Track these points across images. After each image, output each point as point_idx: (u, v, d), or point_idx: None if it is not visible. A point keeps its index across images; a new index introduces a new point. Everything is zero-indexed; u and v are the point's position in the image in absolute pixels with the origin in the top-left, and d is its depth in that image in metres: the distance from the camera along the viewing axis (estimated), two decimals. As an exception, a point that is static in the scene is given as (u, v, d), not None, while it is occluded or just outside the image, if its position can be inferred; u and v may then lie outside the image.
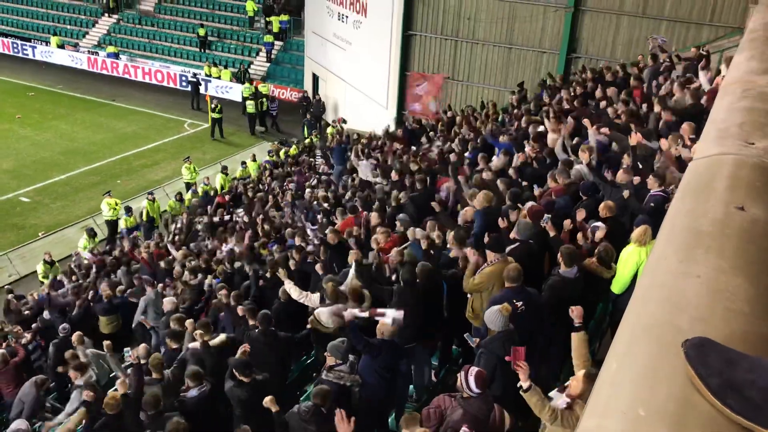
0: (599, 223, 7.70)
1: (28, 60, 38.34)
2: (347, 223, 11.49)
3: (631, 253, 6.91)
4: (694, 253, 2.06)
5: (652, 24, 22.18)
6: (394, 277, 8.44)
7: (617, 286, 7.15)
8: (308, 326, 8.26)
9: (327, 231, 10.77)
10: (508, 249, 7.39)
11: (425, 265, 7.79)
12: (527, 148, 11.69)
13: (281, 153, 25.51)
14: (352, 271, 8.72)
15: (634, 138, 9.28)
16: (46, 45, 38.45)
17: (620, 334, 1.86)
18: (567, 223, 7.82)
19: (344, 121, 26.23)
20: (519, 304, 6.29)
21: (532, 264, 7.27)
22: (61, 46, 38.23)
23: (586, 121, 10.85)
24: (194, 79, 32.64)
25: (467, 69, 26.15)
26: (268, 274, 10.42)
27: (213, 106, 29.00)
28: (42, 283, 16.76)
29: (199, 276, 12.25)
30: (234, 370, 7.20)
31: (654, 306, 1.87)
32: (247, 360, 7.40)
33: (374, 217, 10.85)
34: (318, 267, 9.61)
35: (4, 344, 11.81)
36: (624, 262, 7.01)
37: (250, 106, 30.18)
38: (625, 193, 8.18)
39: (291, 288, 8.81)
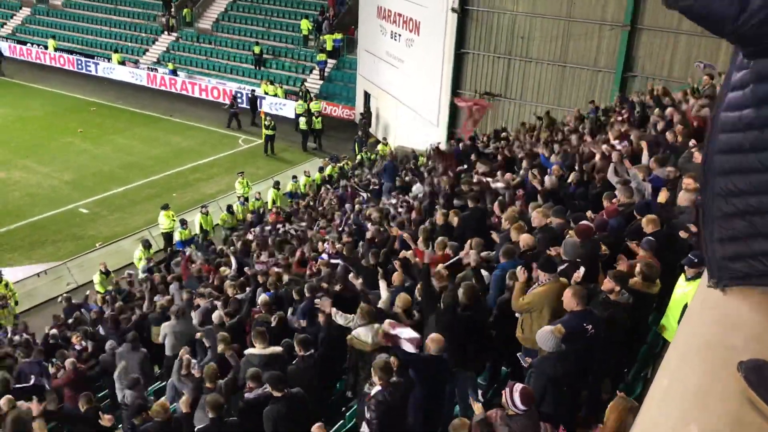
0: (649, 237, 7.52)
1: (91, 76, 39.73)
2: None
3: (686, 294, 6.38)
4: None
5: (712, 43, 21.69)
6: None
7: (671, 333, 6.55)
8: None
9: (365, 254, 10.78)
10: (558, 269, 7.28)
11: (470, 285, 7.72)
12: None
13: (329, 169, 25.69)
14: (384, 289, 8.80)
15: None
16: (108, 62, 39.80)
17: (672, 350, 1.83)
18: (634, 246, 7.71)
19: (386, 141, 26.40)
20: (589, 327, 6.18)
21: (581, 283, 7.15)
22: (122, 63, 39.52)
23: (643, 144, 10.62)
24: (251, 96, 33.43)
25: (520, 87, 26.00)
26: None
27: (267, 123, 29.53)
28: (99, 292, 17.18)
29: (247, 290, 12.37)
30: (268, 385, 7.24)
31: (707, 324, 1.83)
32: (280, 374, 7.44)
33: (421, 234, 10.85)
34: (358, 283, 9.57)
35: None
36: (677, 304, 6.54)
37: (303, 122, 30.67)
38: (682, 233, 7.79)
39: (337, 315, 8.75)
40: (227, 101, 34.20)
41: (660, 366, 1.84)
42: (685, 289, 6.51)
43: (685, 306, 6.33)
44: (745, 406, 1.56)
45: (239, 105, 33.64)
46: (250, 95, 33.73)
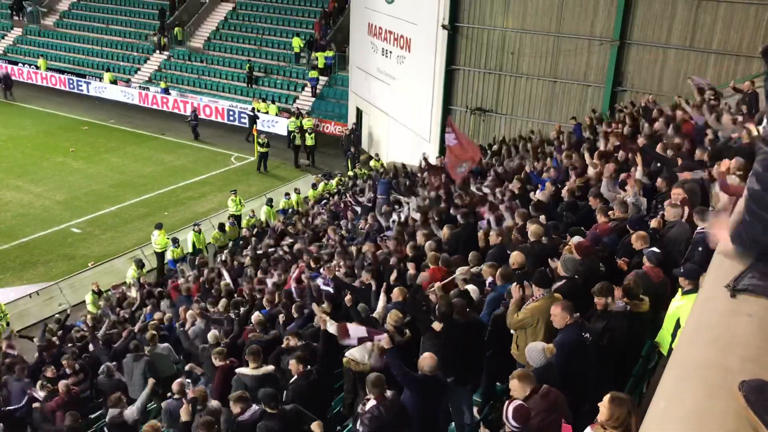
0: (654, 248, 7.53)
1: (82, 95, 39.73)
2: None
3: (680, 308, 6.42)
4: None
5: (700, 57, 21.93)
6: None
7: (665, 346, 6.63)
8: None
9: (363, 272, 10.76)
10: (554, 286, 7.29)
11: (459, 302, 7.72)
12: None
13: (321, 186, 25.67)
14: (382, 299, 8.80)
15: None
16: (100, 81, 39.83)
17: (668, 372, 1.83)
18: (621, 264, 7.74)
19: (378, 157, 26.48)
20: (586, 335, 6.22)
21: (579, 301, 7.15)
22: (113, 82, 39.55)
23: (638, 158, 10.65)
24: (251, 114, 33.49)
25: (511, 102, 26.16)
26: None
27: (260, 140, 29.57)
28: (90, 312, 17.09)
29: (242, 309, 12.35)
30: (261, 402, 7.21)
31: (703, 345, 1.83)
32: (274, 391, 7.41)
33: (409, 249, 10.91)
34: (347, 299, 9.59)
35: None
36: (671, 318, 6.57)
37: (296, 139, 30.77)
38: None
39: (330, 325, 8.75)
40: (190, 113, 34.76)
41: (657, 388, 1.84)
42: (679, 303, 6.50)
43: (679, 320, 6.36)
44: (742, 426, 1.56)
45: (198, 116, 34.35)
46: (251, 113, 33.73)
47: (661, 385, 1.82)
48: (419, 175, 21.80)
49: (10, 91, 38.93)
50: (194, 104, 36.03)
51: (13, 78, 41.02)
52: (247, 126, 33.80)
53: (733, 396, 1.60)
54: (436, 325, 7.42)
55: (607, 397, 4.60)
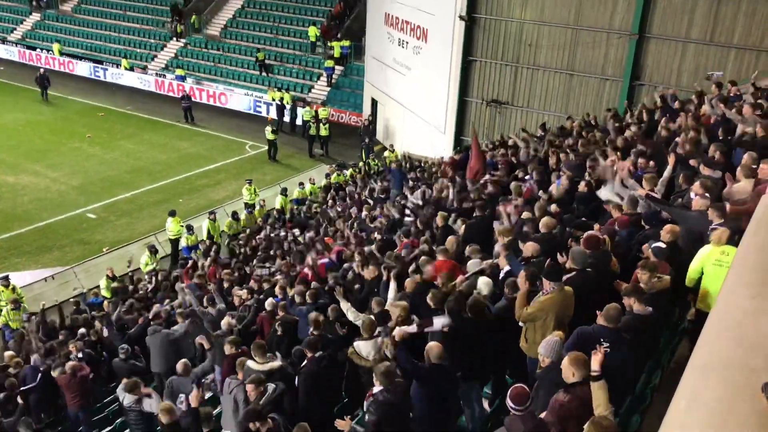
0: (661, 243, 7.46)
1: (100, 82, 39.94)
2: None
3: (703, 250, 6.93)
4: (767, 290, 1.98)
5: (720, 51, 21.66)
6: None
7: (687, 279, 7.13)
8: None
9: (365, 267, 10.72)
10: (564, 278, 7.23)
11: (473, 299, 7.67)
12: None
13: (335, 176, 25.63)
14: (392, 289, 8.80)
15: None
16: (117, 67, 40.00)
17: (689, 372, 1.80)
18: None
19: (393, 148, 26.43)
20: (605, 345, 6.12)
21: (591, 294, 7.10)
22: (130, 69, 39.69)
23: (671, 158, 10.46)
24: (280, 104, 33.51)
25: (527, 95, 25.98)
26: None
27: (272, 128, 29.55)
28: (105, 297, 17.21)
29: (254, 296, 12.38)
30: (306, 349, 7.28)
31: (725, 344, 1.80)
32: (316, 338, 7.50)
33: (422, 243, 10.89)
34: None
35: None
36: (695, 258, 7.02)
37: (311, 129, 30.78)
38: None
39: (348, 309, 8.83)
40: (182, 95, 35.17)
41: (677, 387, 1.81)
42: (705, 250, 6.88)
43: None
44: (765, 428, 1.53)
45: (191, 99, 34.78)
46: (279, 103, 33.54)
47: (682, 384, 1.79)
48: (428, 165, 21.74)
49: (47, 91, 37.18)
50: (184, 87, 36.62)
51: (31, 63, 41.27)
52: (277, 117, 33.07)
53: (757, 397, 1.57)
54: (437, 324, 7.34)
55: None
